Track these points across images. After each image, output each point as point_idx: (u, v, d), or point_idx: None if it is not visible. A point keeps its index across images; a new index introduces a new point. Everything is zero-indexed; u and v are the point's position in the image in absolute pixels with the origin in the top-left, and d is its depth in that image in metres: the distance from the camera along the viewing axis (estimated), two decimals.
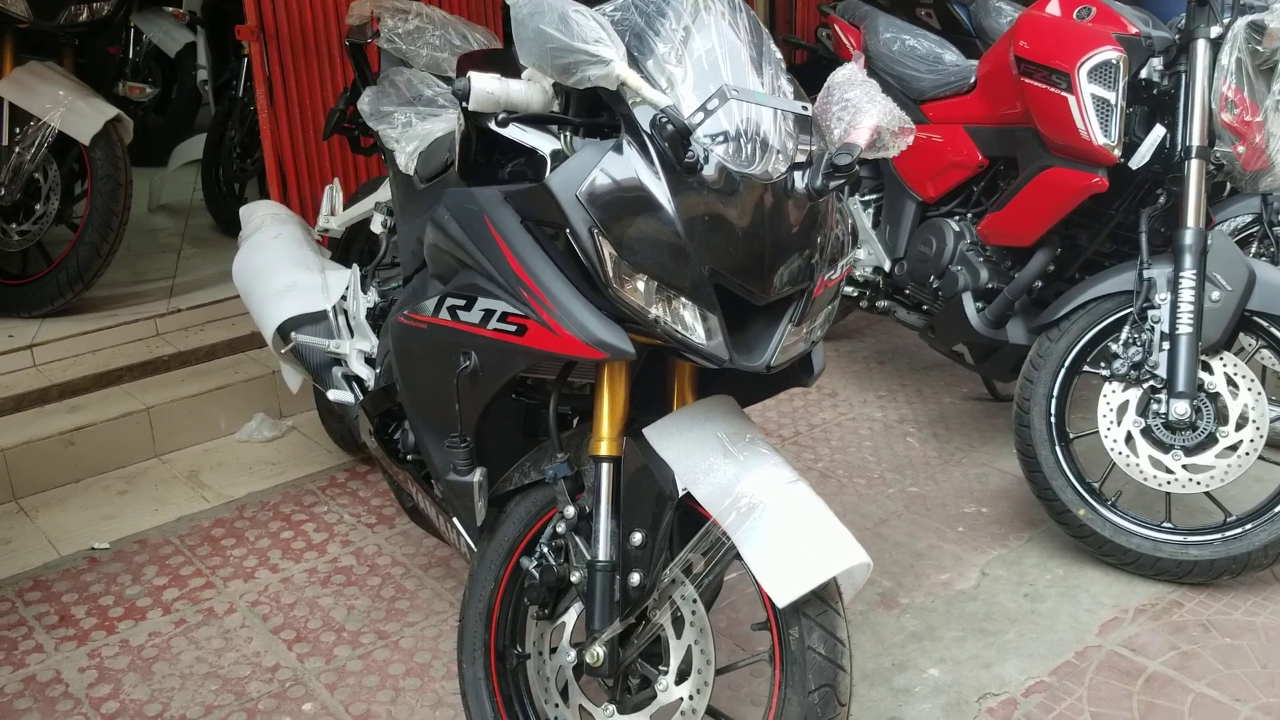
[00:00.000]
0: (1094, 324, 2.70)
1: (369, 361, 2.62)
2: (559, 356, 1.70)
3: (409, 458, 2.33)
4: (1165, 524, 2.62)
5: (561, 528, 1.85)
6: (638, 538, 1.75)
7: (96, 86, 3.69)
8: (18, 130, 3.48)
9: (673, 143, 1.56)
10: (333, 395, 2.59)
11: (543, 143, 1.83)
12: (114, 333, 3.49)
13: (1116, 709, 2.21)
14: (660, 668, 1.80)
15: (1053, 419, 2.71)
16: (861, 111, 1.76)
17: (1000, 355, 3.07)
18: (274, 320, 2.71)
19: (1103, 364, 2.68)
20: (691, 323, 1.62)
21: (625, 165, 1.59)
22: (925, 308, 3.27)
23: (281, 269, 2.79)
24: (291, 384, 2.93)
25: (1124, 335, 2.63)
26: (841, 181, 1.70)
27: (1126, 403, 2.63)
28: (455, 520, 2.16)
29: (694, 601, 1.75)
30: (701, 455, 1.75)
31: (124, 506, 2.96)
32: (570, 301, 1.65)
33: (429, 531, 2.39)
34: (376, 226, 2.72)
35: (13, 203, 3.53)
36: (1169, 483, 2.58)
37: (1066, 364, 2.72)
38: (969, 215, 3.19)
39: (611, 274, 1.60)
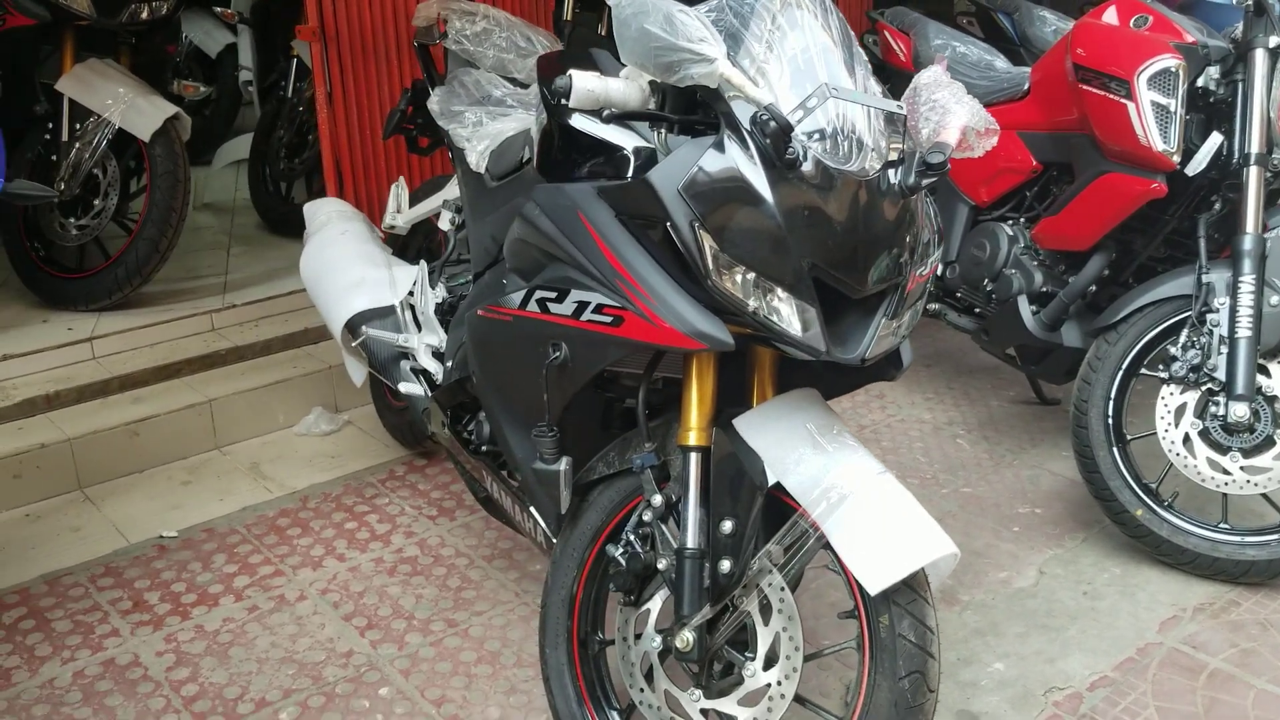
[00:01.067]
0: (1152, 327, 2.74)
1: (437, 356, 2.66)
2: (656, 347, 1.75)
3: (484, 449, 2.38)
4: (1222, 525, 2.65)
5: (648, 516, 1.89)
6: (728, 526, 1.79)
7: (151, 84, 3.74)
8: (78, 126, 3.54)
9: (774, 139, 1.60)
10: (403, 388, 2.63)
11: (627, 140, 1.88)
12: (171, 327, 3.54)
13: (1181, 704, 2.24)
14: (746, 654, 1.84)
15: (1110, 420, 2.75)
16: (950, 112, 1.81)
17: (1054, 358, 3.10)
18: (343, 314, 2.75)
19: (1160, 367, 2.71)
20: (789, 315, 1.66)
21: (727, 161, 1.63)
22: (977, 311, 3.31)
23: (350, 264, 2.83)
24: (355, 377, 2.97)
25: (1183, 338, 2.66)
26: (934, 180, 1.75)
27: (1184, 405, 2.67)
28: (532, 510, 2.20)
29: (781, 589, 1.79)
30: (791, 446, 1.79)
31: (189, 496, 3.00)
32: (669, 293, 1.69)
33: (502, 521, 2.43)
34: (444, 224, 2.77)
35: (71, 197, 3.59)
36: (1226, 484, 2.61)
37: (1124, 366, 2.75)
38: (1021, 219, 3.23)
39: (712, 266, 1.64)
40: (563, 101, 1.73)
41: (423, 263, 2.76)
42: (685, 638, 1.80)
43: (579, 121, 1.97)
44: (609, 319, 1.76)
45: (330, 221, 2.99)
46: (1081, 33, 2.94)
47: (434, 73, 2.87)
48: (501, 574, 2.67)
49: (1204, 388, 2.63)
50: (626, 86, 1.74)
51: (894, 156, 1.76)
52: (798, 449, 1.78)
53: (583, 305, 1.81)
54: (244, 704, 2.24)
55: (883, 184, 1.71)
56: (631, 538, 1.90)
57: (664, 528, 1.88)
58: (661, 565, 1.86)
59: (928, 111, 1.79)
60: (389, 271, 2.81)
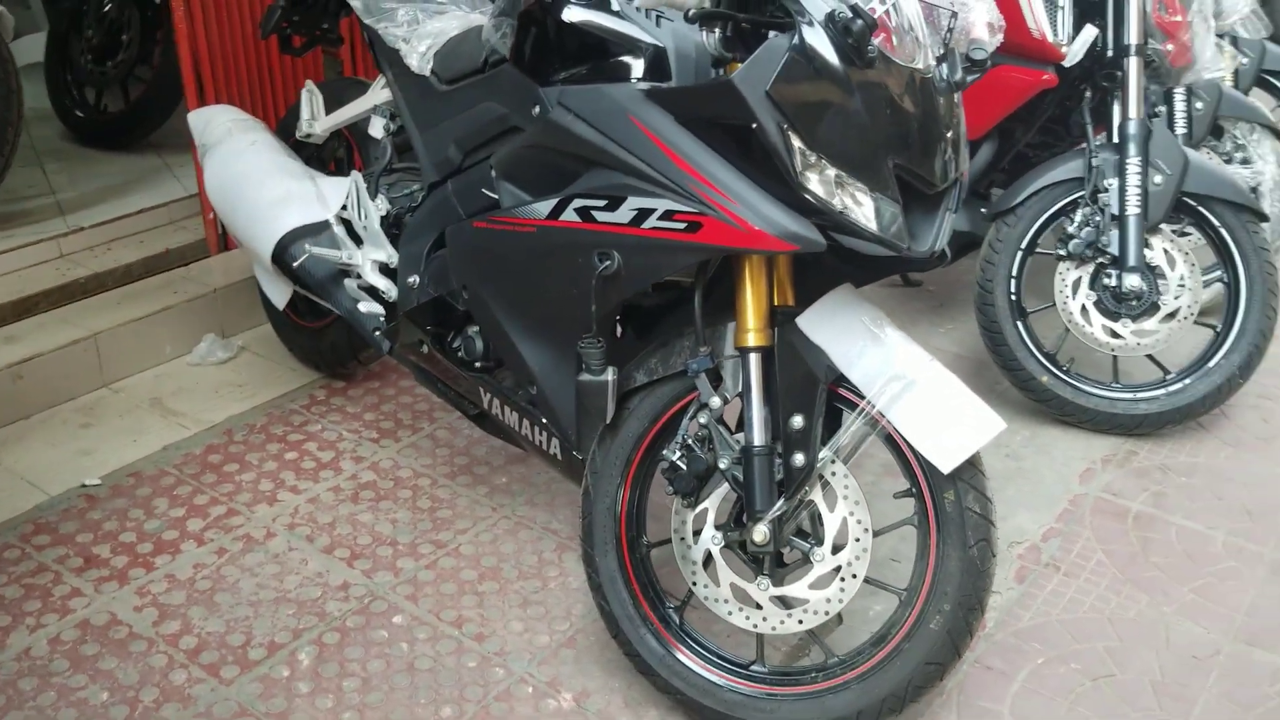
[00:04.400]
0: (1047, 208, 2.97)
1: (384, 271, 2.54)
2: (739, 251, 1.76)
3: (477, 365, 2.31)
4: (1114, 384, 2.96)
5: (704, 418, 1.92)
6: (798, 421, 1.85)
7: None
8: None
9: (859, 37, 1.63)
10: (363, 308, 2.50)
11: (642, 36, 1.87)
12: (14, 256, 3.17)
13: (1120, 545, 2.52)
14: (811, 540, 1.92)
15: (1013, 297, 2.98)
16: (972, 9, 1.91)
17: None
18: (274, 233, 2.56)
19: (1058, 245, 2.96)
20: (869, 212, 1.71)
21: (812, 60, 1.64)
22: None
23: (271, 178, 2.63)
24: (278, 300, 2.78)
25: (1078, 218, 2.91)
26: (977, 75, 1.84)
27: (1080, 279, 2.94)
28: (545, 423, 2.17)
29: (846, 476, 1.88)
30: (851, 341, 1.86)
31: (96, 440, 2.74)
32: (752, 196, 1.71)
33: (500, 437, 2.39)
34: (377, 131, 2.60)
35: None
36: (1119, 348, 2.91)
37: (1023, 246, 2.98)
38: None
39: (800, 167, 1.66)
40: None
41: (356, 173, 2.60)
42: (762, 531, 1.86)
43: (583, 15, 1.93)
44: (682, 225, 1.76)
45: (231, 133, 2.74)
46: None
47: None
48: (469, 490, 2.62)
49: (1098, 261, 2.91)
50: None
51: (939, 53, 1.83)
52: (858, 342, 1.86)
53: (645, 212, 1.80)
54: (254, 649, 2.13)
55: (937, 80, 1.79)
56: (689, 441, 1.93)
57: (720, 429, 1.92)
58: (723, 465, 1.91)
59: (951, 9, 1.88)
60: (314, 184, 2.64)
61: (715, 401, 1.90)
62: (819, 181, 1.68)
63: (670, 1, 1.69)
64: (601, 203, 1.85)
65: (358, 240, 2.58)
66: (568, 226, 1.91)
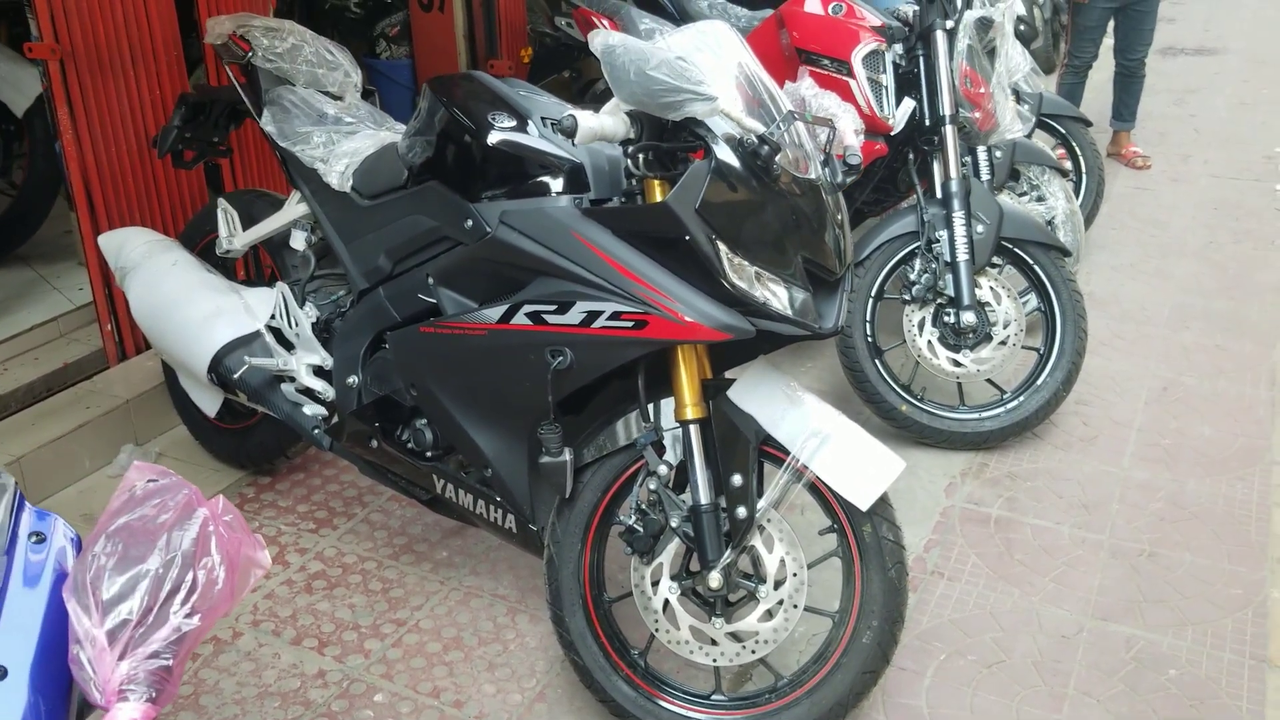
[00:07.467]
0: (890, 260, 3.41)
1: (319, 374, 2.72)
2: (681, 342, 2.06)
3: (428, 455, 2.52)
4: (962, 406, 3.41)
5: (653, 485, 2.21)
6: (737, 480, 2.16)
7: None
8: None
9: (766, 159, 1.96)
10: (309, 410, 2.68)
11: (564, 154, 2.18)
12: None
13: (989, 548, 2.94)
14: (755, 580, 2.23)
15: (869, 338, 3.40)
16: (839, 117, 2.28)
17: None
18: (209, 348, 2.71)
19: (902, 290, 3.39)
20: (785, 300, 2.05)
21: (730, 180, 1.97)
22: None
23: (199, 295, 2.77)
24: (209, 408, 2.91)
25: (917, 266, 3.35)
26: (855, 177, 2.21)
27: (924, 319, 3.37)
28: (500, 501, 2.41)
29: (781, 522, 2.20)
30: (774, 405, 2.18)
31: None
32: (689, 295, 2.02)
33: (455, 518, 2.60)
34: (299, 243, 2.78)
35: None
36: (963, 375, 3.36)
37: (873, 294, 3.40)
38: None
39: (727, 269, 1.98)
40: (567, 138, 1.97)
41: (281, 284, 2.77)
42: (716, 578, 2.15)
43: (507, 138, 2.22)
44: (630, 324, 2.04)
45: (152, 253, 2.87)
46: (793, 20, 3.52)
47: (259, 92, 2.83)
48: (415, 568, 2.82)
49: (937, 303, 3.35)
50: (615, 121, 2.01)
51: (822, 160, 2.19)
52: (779, 406, 2.18)
53: (593, 314, 2.08)
54: None
55: (824, 184, 2.14)
56: (643, 506, 2.21)
57: (669, 492, 2.21)
58: (674, 523, 2.19)
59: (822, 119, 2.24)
60: (240, 297, 2.79)
61: (663, 469, 2.19)
62: (743, 279, 2.00)
63: (605, 136, 1.99)
64: (551, 307, 2.13)
65: (288, 346, 2.76)
66: (520, 329, 2.17)
